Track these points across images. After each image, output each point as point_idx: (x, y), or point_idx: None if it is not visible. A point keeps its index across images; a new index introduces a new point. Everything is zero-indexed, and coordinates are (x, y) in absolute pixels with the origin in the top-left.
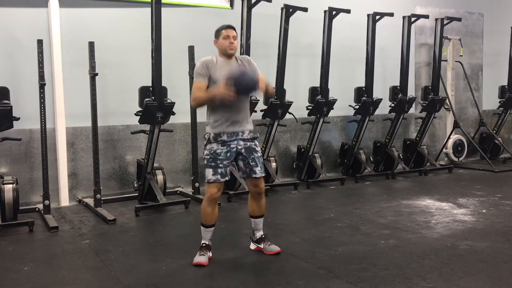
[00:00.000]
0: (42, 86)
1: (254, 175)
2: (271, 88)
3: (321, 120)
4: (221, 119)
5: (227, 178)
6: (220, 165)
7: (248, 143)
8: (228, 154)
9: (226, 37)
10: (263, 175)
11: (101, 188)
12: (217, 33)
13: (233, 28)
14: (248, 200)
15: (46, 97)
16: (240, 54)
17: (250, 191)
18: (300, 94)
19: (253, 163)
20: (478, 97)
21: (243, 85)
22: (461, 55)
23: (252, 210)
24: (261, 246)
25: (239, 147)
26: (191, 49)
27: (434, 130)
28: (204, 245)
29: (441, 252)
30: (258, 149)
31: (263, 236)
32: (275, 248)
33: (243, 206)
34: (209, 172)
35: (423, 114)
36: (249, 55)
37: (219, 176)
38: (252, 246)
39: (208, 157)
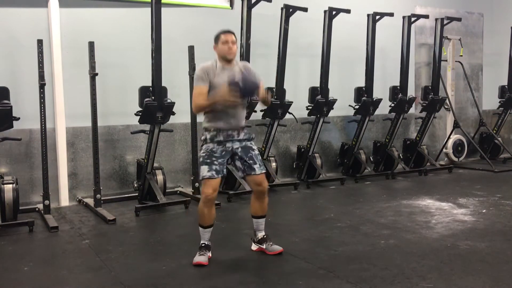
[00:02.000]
0: (42, 86)
1: (253, 172)
2: (270, 97)
3: (321, 120)
4: (218, 120)
5: (221, 175)
6: (215, 162)
7: (244, 143)
8: (224, 153)
9: (225, 42)
10: (263, 171)
11: (101, 188)
12: (216, 39)
13: (232, 33)
14: (251, 200)
15: (46, 97)
16: (240, 55)
17: (253, 191)
18: (300, 94)
19: (251, 161)
20: (478, 97)
21: (247, 90)
22: (461, 55)
23: (254, 210)
24: (263, 246)
25: (235, 147)
26: (191, 49)
27: (434, 130)
28: (203, 245)
29: (441, 252)
30: (255, 147)
31: (265, 236)
32: (277, 248)
33: (243, 206)
34: (204, 169)
35: (423, 114)
36: (249, 55)
37: (214, 172)
38: (254, 247)
39: (204, 154)
